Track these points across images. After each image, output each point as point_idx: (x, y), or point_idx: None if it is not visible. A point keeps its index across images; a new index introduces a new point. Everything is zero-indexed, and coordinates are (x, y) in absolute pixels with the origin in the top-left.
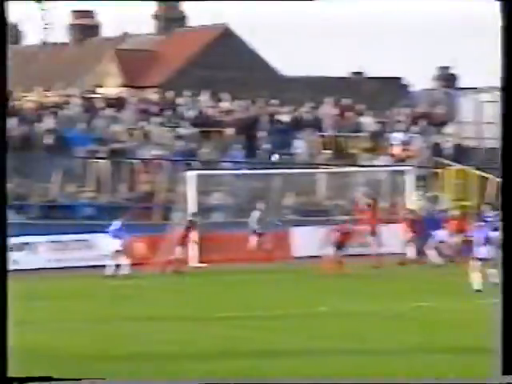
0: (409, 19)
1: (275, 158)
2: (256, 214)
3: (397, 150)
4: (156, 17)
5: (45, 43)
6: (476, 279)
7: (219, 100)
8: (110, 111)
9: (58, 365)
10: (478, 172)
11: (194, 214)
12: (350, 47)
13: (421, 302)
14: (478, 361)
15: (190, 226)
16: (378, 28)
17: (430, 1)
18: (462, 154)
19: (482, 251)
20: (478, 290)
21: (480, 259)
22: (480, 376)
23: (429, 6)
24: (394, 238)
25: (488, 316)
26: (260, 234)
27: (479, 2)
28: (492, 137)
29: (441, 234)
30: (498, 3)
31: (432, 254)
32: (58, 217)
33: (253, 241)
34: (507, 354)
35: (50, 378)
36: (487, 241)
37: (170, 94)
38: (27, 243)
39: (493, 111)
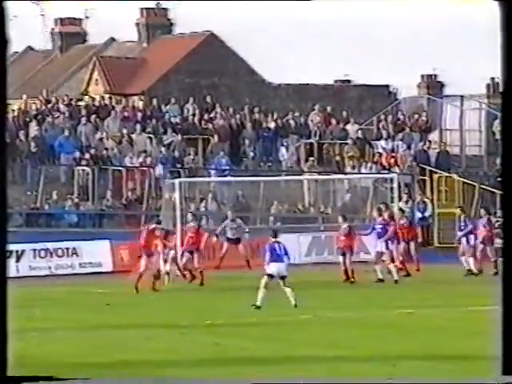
0: (395, 25)
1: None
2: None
3: (382, 158)
4: (139, 24)
5: (30, 49)
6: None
7: (204, 107)
8: (94, 118)
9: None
10: (462, 179)
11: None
12: (336, 54)
13: None
14: None
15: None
16: (363, 34)
17: (417, 9)
18: (445, 161)
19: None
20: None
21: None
22: None
23: (416, 13)
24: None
25: None
26: (235, 242)
27: (466, 10)
28: (475, 144)
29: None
30: (497, 3)
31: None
32: (43, 224)
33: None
34: (507, 354)
35: (50, 378)
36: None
37: (154, 101)
38: (11, 251)
39: (477, 119)
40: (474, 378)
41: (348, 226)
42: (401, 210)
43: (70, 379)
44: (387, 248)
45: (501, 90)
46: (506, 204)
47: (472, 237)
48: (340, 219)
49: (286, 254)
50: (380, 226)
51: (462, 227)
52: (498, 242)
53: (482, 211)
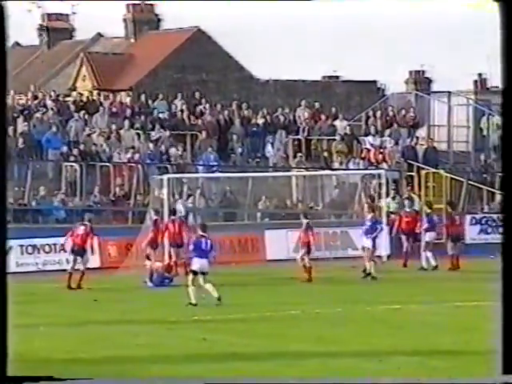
0: (383, 22)
1: None
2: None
3: (370, 154)
4: (126, 20)
5: (17, 44)
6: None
7: (192, 103)
8: (82, 114)
9: (28, 368)
10: (449, 175)
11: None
12: (324, 50)
13: None
14: None
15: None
16: (352, 31)
17: (405, 6)
18: (433, 157)
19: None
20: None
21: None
22: None
23: (404, 10)
24: None
25: None
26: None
27: (454, 7)
28: (462, 140)
29: None
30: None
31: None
32: (30, 220)
33: None
34: (507, 353)
35: (50, 378)
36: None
37: (142, 97)
38: None
39: (464, 115)
40: (474, 378)
41: (307, 223)
42: (409, 198)
43: (70, 379)
44: (374, 245)
45: (501, 89)
46: (506, 202)
47: (433, 233)
48: (301, 216)
49: (212, 249)
50: (370, 223)
51: (425, 223)
52: (484, 238)
53: (448, 207)
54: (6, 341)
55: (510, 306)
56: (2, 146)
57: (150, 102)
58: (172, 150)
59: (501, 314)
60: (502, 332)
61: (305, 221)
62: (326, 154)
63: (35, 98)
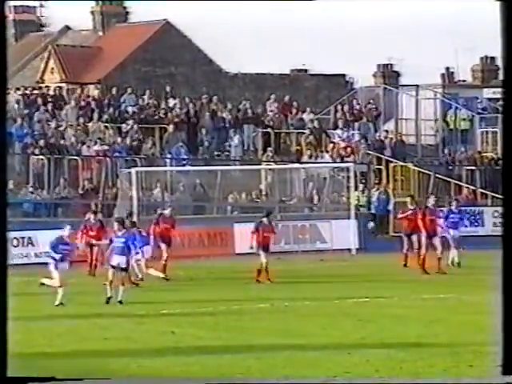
0: (352, 16)
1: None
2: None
3: (338, 147)
4: (94, 13)
5: None
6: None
7: (160, 96)
8: (50, 107)
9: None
10: (417, 168)
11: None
12: (293, 44)
13: None
14: None
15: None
16: (320, 25)
17: (373, 0)
18: (401, 150)
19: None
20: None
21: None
22: None
23: (372, 4)
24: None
25: None
26: None
27: (419, 2)
28: (430, 133)
29: None
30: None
31: None
32: None
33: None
34: (507, 354)
35: (51, 378)
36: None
37: (110, 90)
38: None
39: (432, 108)
40: (474, 378)
41: (269, 221)
42: (411, 196)
43: (71, 379)
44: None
45: (501, 89)
46: (506, 201)
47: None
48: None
49: (129, 247)
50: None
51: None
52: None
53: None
54: (6, 341)
55: (510, 307)
56: (3, 143)
57: (118, 95)
58: (141, 144)
59: (501, 315)
60: (501, 332)
61: (265, 218)
62: (295, 147)
63: None
